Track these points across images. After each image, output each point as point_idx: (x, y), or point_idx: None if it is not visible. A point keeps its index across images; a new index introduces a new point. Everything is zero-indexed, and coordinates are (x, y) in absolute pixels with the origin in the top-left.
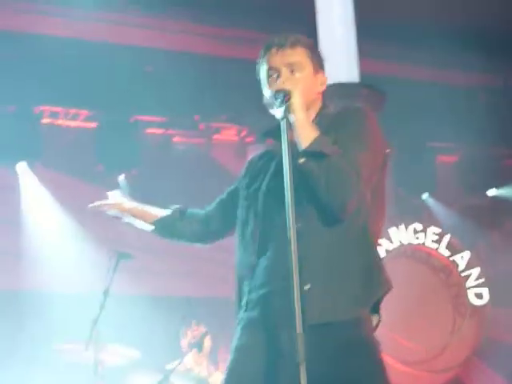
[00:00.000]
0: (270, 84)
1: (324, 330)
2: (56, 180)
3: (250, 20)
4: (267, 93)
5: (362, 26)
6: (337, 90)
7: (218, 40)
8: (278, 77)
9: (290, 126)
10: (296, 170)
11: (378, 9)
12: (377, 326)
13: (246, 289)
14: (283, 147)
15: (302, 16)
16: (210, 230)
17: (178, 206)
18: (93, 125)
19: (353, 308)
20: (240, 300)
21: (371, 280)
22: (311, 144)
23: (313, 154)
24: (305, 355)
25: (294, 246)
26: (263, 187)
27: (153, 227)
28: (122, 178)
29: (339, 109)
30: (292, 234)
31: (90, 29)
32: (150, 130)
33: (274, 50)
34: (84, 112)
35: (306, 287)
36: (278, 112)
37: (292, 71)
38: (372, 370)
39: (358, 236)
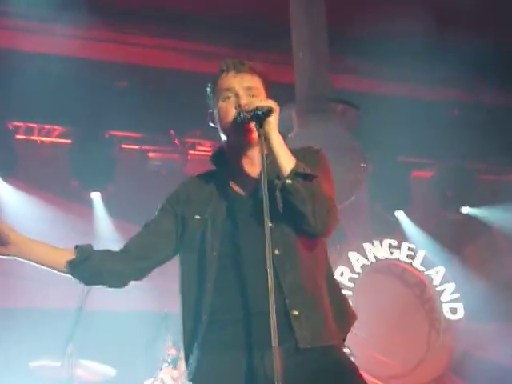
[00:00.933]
0: (227, 104)
1: (311, 353)
2: (29, 194)
3: (227, 36)
4: (229, 112)
5: (334, 41)
6: (311, 106)
7: (193, 55)
8: (236, 97)
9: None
10: (271, 193)
11: (349, 25)
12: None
13: (203, 316)
14: (263, 166)
15: (278, 32)
16: (137, 267)
17: (80, 245)
18: (67, 141)
19: (333, 335)
20: (194, 323)
21: (345, 310)
22: (297, 165)
23: (300, 175)
24: (288, 377)
25: (270, 271)
26: (221, 214)
27: (64, 269)
28: (95, 194)
29: (299, 147)
30: (268, 257)
31: (64, 45)
32: (125, 146)
33: (232, 73)
34: (58, 128)
35: (295, 312)
36: (240, 131)
37: (250, 96)
38: None
39: (326, 266)
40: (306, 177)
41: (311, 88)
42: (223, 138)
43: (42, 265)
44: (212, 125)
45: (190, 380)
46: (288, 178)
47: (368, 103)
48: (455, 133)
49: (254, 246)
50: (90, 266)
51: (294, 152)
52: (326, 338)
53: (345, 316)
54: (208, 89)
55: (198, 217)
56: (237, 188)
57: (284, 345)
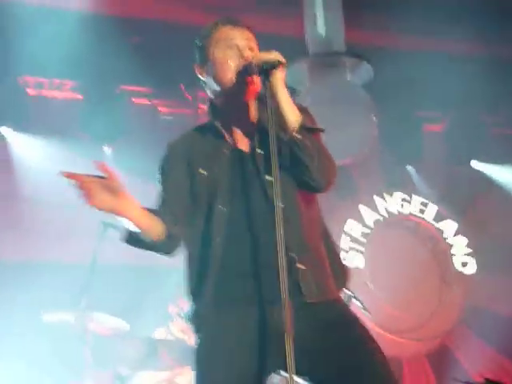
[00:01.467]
0: (227, 55)
1: (317, 307)
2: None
3: None
4: (229, 63)
5: None
6: (323, 60)
7: (204, 9)
8: (237, 49)
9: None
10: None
11: None
12: None
13: (211, 268)
14: (269, 119)
15: None
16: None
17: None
18: (78, 95)
19: (334, 290)
20: (202, 274)
21: (341, 265)
22: (303, 120)
23: (308, 130)
24: (296, 331)
25: (279, 219)
26: (225, 169)
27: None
28: (106, 148)
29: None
30: (278, 211)
31: None
32: (136, 100)
33: (229, 26)
34: (69, 82)
35: (301, 266)
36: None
37: (250, 49)
38: (366, 335)
39: (321, 222)
40: (312, 131)
41: (324, 42)
42: (217, 90)
43: (140, 226)
44: (201, 77)
45: (196, 331)
46: (297, 132)
47: (382, 57)
48: (468, 86)
49: (260, 201)
50: (174, 242)
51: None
52: (329, 292)
53: (341, 273)
54: (200, 40)
55: (203, 172)
56: (235, 142)
57: (291, 299)
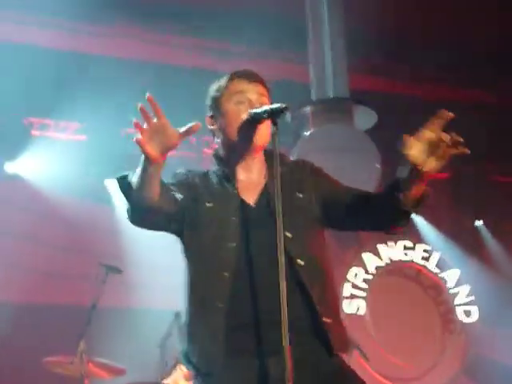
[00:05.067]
0: (239, 108)
1: (336, 359)
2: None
3: (242, 35)
4: (240, 116)
5: (350, 41)
6: (328, 105)
7: (213, 54)
8: (249, 103)
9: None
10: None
11: (368, 24)
12: None
13: (217, 303)
14: (275, 166)
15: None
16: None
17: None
18: (82, 137)
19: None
20: (206, 310)
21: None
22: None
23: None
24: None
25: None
26: (232, 214)
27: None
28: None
29: (298, 161)
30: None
31: (75, 41)
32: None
33: (245, 80)
34: (74, 124)
35: (328, 320)
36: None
37: (261, 104)
38: None
39: (332, 270)
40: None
41: (328, 88)
42: (226, 141)
43: (152, 186)
44: (210, 127)
45: (196, 377)
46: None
47: (385, 103)
48: (471, 134)
49: (272, 255)
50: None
51: (296, 165)
52: (348, 345)
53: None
54: (213, 90)
55: (210, 204)
56: (241, 193)
57: (315, 353)
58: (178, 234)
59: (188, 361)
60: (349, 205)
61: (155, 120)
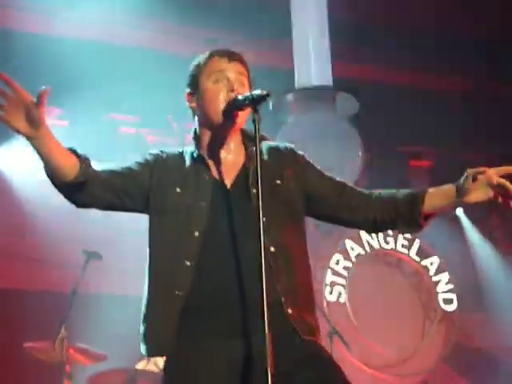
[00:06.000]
0: (217, 87)
1: (308, 344)
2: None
3: (226, 21)
4: (219, 94)
5: (334, 28)
6: (310, 93)
7: (191, 40)
8: (228, 82)
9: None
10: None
11: (352, 11)
12: None
13: (176, 291)
14: (256, 153)
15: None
16: (111, 202)
17: (82, 166)
18: (64, 123)
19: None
20: (166, 296)
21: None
22: None
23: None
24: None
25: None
26: (204, 197)
27: (73, 177)
28: None
29: (283, 147)
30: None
31: (61, 25)
32: (123, 129)
33: (225, 59)
34: (56, 110)
35: (290, 311)
36: (241, 113)
37: (240, 83)
38: (343, 375)
39: (308, 264)
40: None
41: (310, 75)
42: (204, 120)
43: (50, 162)
44: (189, 105)
45: (164, 368)
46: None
47: (368, 91)
48: (453, 121)
49: (245, 238)
50: (84, 190)
51: (280, 150)
52: (315, 335)
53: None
54: (193, 68)
55: (179, 190)
56: (216, 174)
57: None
58: (141, 211)
59: (142, 342)
60: (341, 206)
61: (11, 94)
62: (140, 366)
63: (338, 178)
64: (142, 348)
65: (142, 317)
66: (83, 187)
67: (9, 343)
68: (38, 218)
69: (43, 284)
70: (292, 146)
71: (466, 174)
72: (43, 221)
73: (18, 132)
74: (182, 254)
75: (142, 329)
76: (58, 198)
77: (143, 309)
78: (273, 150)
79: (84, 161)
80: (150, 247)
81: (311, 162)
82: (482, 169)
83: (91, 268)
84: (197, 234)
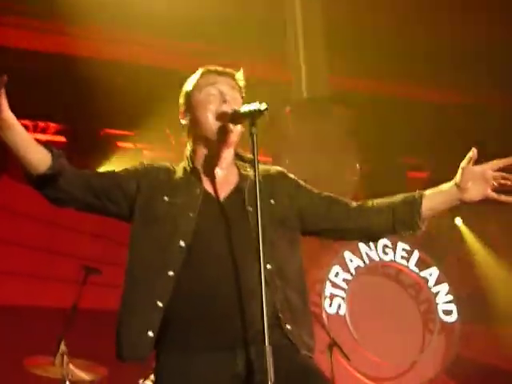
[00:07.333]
0: (209, 99)
1: (304, 357)
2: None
3: (220, 36)
4: (209, 106)
5: (332, 42)
6: (307, 106)
7: (191, 56)
8: (220, 95)
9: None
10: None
11: (349, 24)
12: None
13: (157, 301)
14: (254, 167)
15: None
16: (90, 202)
17: (54, 160)
18: (62, 138)
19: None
20: (146, 307)
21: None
22: None
23: None
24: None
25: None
26: (193, 208)
27: (45, 168)
28: None
29: (274, 170)
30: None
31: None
32: (120, 144)
33: (216, 73)
34: (53, 125)
35: (288, 327)
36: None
37: (234, 99)
38: None
39: (304, 279)
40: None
41: (307, 88)
42: (197, 135)
43: (19, 152)
44: (182, 121)
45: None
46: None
47: (366, 103)
48: (452, 133)
49: (237, 253)
50: (57, 184)
51: (270, 173)
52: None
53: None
54: (186, 86)
55: (166, 199)
56: (208, 187)
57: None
58: (123, 217)
59: (119, 345)
60: (332, 218)
61: None
62: (141, 382)
63: (326, 193)
64: (118, 350)
65: (118, 319)
66: (56, 182)
67: (9, 359)
68: (37, 231)
69: (43, 299)
70: (284, 170)
71: (460, 169)
72: (41, 235)
73: None
74: (165, 263)
75: (118, 332)
76: None
77: (120, 314)
78: (265, 173)
79: (56, 155)
80: (130, 254)
81: (301, 183)
82: (470, 154)
83: (90, 283)
84: (182, 244)
